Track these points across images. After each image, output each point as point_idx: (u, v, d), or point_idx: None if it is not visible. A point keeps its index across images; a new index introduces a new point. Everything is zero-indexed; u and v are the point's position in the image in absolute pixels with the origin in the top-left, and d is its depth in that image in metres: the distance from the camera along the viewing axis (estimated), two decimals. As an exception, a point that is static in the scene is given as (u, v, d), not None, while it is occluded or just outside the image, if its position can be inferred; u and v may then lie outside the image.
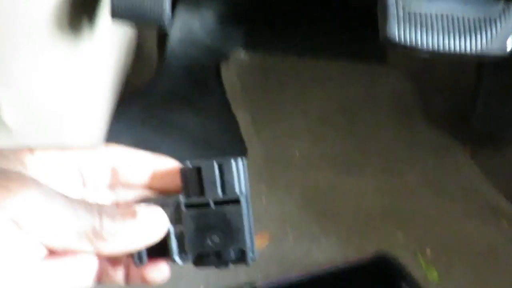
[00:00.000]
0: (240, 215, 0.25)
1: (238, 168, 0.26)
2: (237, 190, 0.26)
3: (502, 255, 0.72)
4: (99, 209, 0.24)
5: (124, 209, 0.25)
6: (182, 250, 0.26)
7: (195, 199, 0.26)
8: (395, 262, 0.66)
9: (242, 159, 0.26)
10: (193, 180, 0.26)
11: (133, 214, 0.24)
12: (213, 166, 0.26)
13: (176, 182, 0.27)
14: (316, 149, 0.90)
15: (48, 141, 0.60)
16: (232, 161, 0.26)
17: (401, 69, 1.08)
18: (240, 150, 0.86)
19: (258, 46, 1.07)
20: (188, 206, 0.26)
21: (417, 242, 0.72)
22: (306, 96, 1.01)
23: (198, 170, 0.26)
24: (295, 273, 0.64)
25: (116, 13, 0.63)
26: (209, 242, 0.26)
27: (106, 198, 0.27)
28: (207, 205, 0.26)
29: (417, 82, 1.06)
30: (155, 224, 0.25)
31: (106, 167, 0.27)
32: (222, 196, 0.26)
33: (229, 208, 0.25)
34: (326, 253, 0.69)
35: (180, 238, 0.26)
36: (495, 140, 0.93)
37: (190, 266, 0.69)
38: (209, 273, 0.64)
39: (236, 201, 0.25)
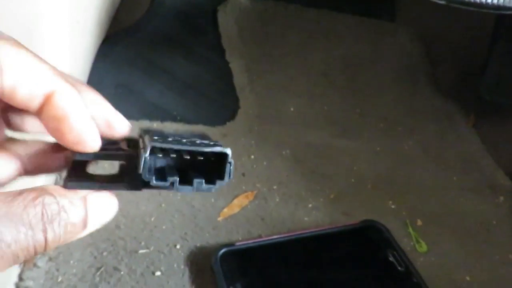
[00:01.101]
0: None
1: None
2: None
3: (495, 231, 0.70)
4: (42, 218, 0.19)
5: (73, 196, 0.21)
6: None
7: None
8: (383, 230, 0.63)
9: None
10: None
11: (84, 201, 0.21)
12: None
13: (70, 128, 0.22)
14: (312, 107, 0.86)
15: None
16: None
17: (410, 30, 1.03)
18: (231, 100, 0.81)
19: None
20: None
21: (409, 212, 0.69)
22: (307, 49, 0.96)
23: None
24: (277, 234, 0.62)
25: None
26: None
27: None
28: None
29: (426, 44, 1.01)
30: (105, 215, 0.22)
31: None
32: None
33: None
34: (312, 215, 0.67)
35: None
36: (500, 112, 0.90)
37: (166, 224, 0.64)
38: (187, 231, 0.61)
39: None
